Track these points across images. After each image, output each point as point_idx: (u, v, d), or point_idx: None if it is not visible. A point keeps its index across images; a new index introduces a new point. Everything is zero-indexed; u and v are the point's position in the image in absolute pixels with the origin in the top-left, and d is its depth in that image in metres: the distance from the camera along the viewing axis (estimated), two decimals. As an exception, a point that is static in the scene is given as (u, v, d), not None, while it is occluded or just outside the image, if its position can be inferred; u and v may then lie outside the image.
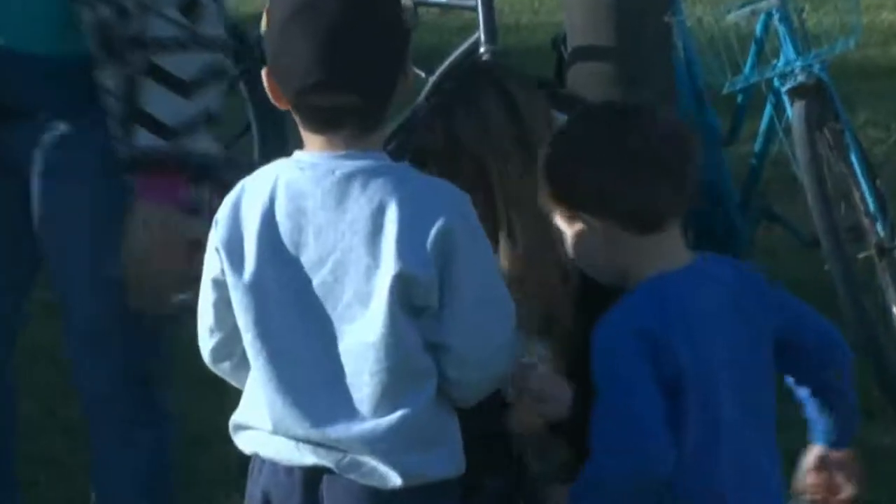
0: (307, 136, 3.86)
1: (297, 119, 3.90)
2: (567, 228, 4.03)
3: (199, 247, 4.38)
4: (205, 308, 3.96)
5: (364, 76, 3.78)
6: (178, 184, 5.05)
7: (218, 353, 3.96)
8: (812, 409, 4.26)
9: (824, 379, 4.25)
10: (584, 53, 7.09)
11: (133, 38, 5.09)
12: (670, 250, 4.08)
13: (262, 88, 4.04)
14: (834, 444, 4.27)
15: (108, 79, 5.09)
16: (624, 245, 3.99)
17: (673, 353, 3.99)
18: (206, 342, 3.98)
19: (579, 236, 4.03)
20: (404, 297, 3.77)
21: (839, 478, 4.32)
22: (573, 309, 4.38)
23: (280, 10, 3.88)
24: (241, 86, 7.11)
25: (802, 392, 4.25)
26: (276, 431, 3.85)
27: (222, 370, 4.01)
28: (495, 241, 4.26)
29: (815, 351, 4.23)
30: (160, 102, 5.09)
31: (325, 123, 3.81)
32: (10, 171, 5.23)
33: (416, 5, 7.97)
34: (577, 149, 4.07)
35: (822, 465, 4.29)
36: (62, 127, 5.16)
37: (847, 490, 4.33)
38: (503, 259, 4.30)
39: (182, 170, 5.24)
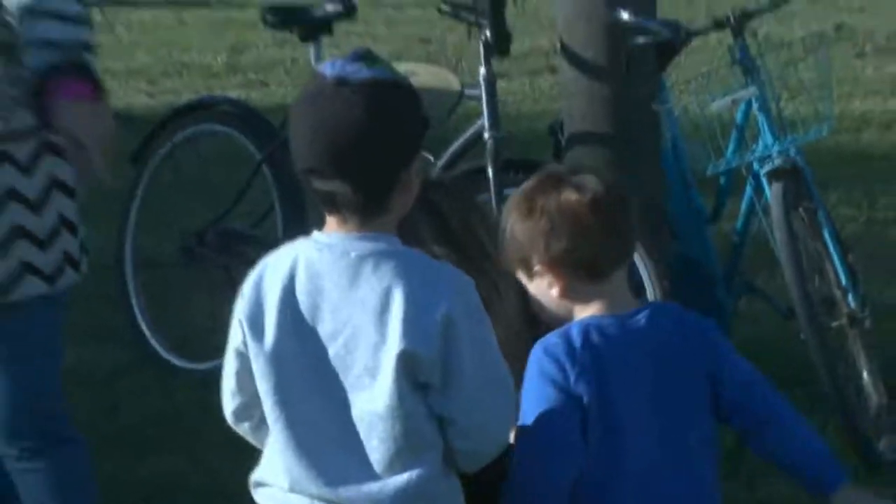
0: (326, 216, 3.92)
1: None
2: (529, 284, 4.19)
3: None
4: (228, 374, 3.99)
5: (354, 168, 3.83)
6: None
7: (239, 414, 4.01)
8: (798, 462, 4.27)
9: (754, 416, 4.28)
10: (580, 139, 7.26)
11: None
12: (614, 296, 4.21)
13: (285, 172, 4.20)
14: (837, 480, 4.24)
15: None
16: (575, 292, 4.12)
17: (575, 382, 4.11)
18: (229, 404, 4.02)
19: (538, 290, 4.17)
20: (409, 372, 3.82)
21: None
22: None
23: (297, 98, 3.95)
24: (266, 169, 7.10)
25: (752, 443, 4.30)
26: (292, 490, 3.89)
27: (243, 430, 4.06)
28: None
29: (740, 389, 4.28)
30: None
31: (327, 206, 3.89)
32: None
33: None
34: (527, 214, 4.19)
35: None
36: None
37: None
38: None
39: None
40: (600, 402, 4.18)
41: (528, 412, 4.20)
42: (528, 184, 4.29)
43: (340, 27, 8.12)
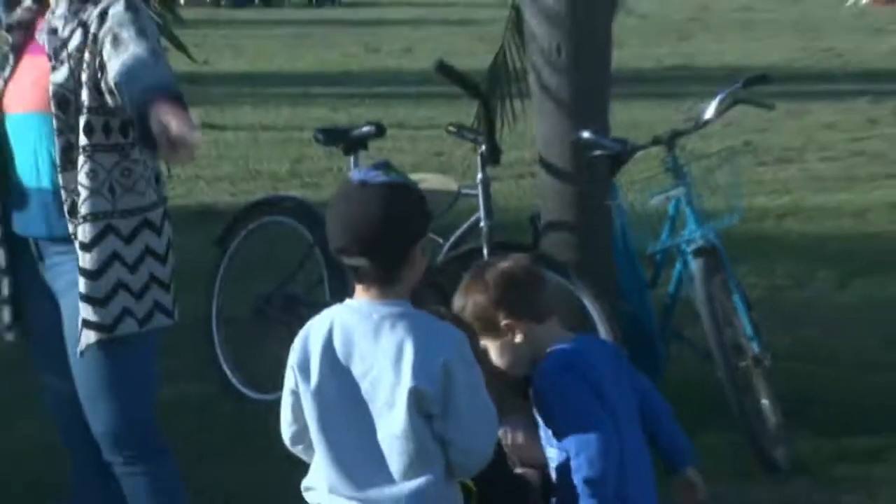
0: (355, 285, 3.99)
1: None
2: (492, 345, 4.29)
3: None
4: (285, 408, 4.07)
5: (372, 249, 3.88)
6: None
7: (294, 439, 4.09)
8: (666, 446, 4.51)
9: (657, 423, 4.49)
10: (552, 227, 7.25)
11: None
12: (560, 330, 4.36)
13: (331, 251, 4.23)
14: (684, 464, 4.51)
15: None
16: (537, 334, 4.25)
17: (591, 375, 4.24)
18: (286, 432, 4.11)
19: (504, 345, 4.29)
20: (418, 404, 3.91)
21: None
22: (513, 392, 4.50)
23: (333, 196, 4.01)
24: (317, 249, 7.15)
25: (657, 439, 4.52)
26: (331, 492, 3.98)
27: (297, 451, 4.13)
28: None
29: (650, 404, 4.50)
30: None
31: (354, 277, 3.96)
32: None
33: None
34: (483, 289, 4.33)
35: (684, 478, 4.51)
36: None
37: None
38: None
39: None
40: (607, 401, 4.26)
41: (573, 420, 4.20)
42: (470, 272, 4.45)
43: (374, 144, 8.02)
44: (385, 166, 4.02)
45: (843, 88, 18.60)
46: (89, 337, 4.92)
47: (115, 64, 4.75)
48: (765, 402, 6.70)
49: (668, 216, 7.23)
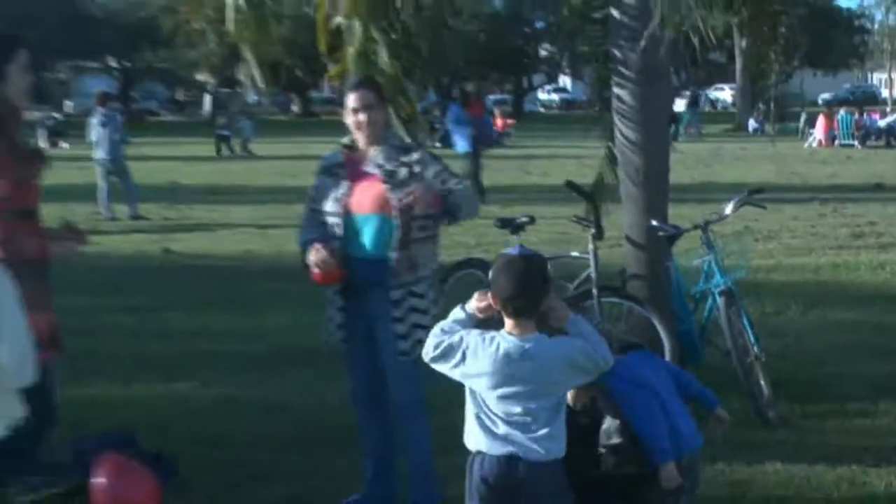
0: (507, 320, 3.94)
1: (504, 313, 3.93)
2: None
3: None
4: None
5: (525, 298, 3.89)
6: None
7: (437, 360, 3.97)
8: (699, 399, 4.66)
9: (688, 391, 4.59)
10: (634, 277, 7.49)
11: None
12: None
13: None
14: (713, 406, 4.62)
15: None
16: None
17: (630, 374, 4.35)
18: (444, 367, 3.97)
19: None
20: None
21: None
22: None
23: (498, 262, 4.00)
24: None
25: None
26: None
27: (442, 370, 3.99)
28: None
29: (682, 379, 4.63)
30: None
31: (513, 315, 3.91)
32: None
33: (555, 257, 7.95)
34: None
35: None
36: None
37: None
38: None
39: None
40: (647, 384, 4.39)
41: (641, 402, 4.28)
42: None
43: (529, 228, 8.25)
44: (523, 246, 4.10)
45: (803, 196, 19.20)
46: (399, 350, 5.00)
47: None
48: (762, 382, 6.85)
49: (703, 271, 7.43)
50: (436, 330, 3.97)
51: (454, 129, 19.76)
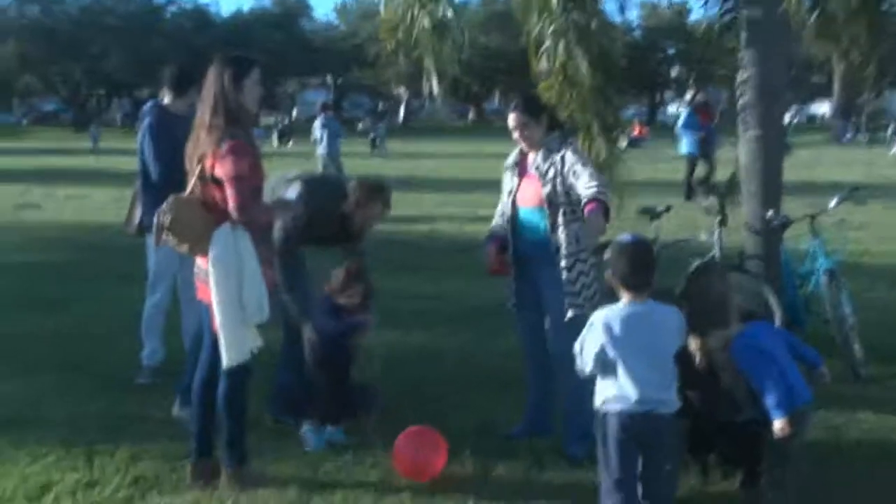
0: (624, 294, 3.89)
1: (621, 288, 3.88)
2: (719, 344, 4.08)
3: None
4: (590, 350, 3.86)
5: (640, 275, 3.84)
6: None
7: (594, 366, 3.87)
8: (807, 359, 4.39)
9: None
10: (751, 257, 7.11)
11: None
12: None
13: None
14: (818, 365, 4.38)
15: None
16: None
17: (756, 342, 4.19)
18: (588, 363, 3.88)
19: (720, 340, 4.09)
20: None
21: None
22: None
23: (615, 248, 3.90)
24: None
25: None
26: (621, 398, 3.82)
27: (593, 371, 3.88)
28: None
29: (792, 342, 4.38)
30: None
31: (632, 290, 3.84)
32: None
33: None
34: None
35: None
36: None
37: None
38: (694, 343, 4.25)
39: None
40: (766, 350, 4.19)
41: (761, 365, 4.09)
42: None
43: (666, 216, 8.02)
44: (636, 233, 4.00)
45: (889, 193, 17.98)
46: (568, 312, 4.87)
47: (579, 185, 4.80)
48: (855, 346, 6.72)
49: (809, 254, 7.36)
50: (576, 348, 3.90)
51: (683, 132, 18.44)
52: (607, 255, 3.92)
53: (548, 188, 4.93)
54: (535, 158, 5.04)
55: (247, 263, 4.23)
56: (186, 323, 6.05)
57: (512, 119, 5.11)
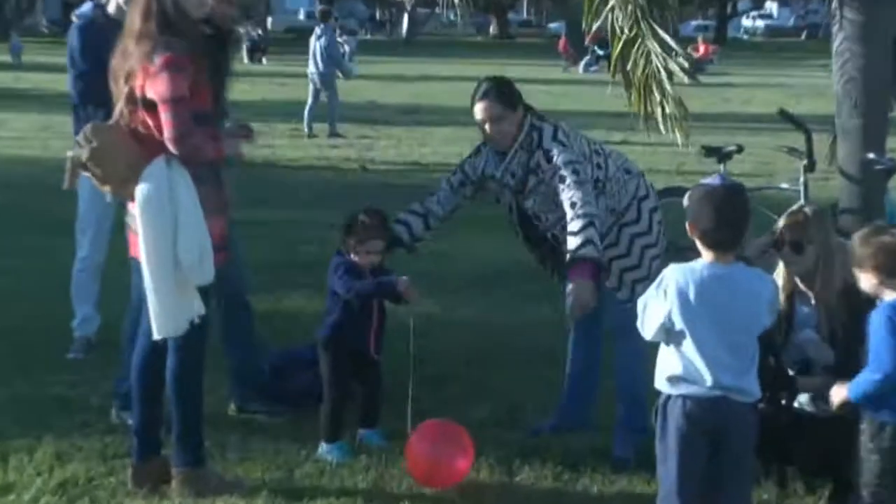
0: (704, 252, 3.88)
1: (700, 244, 3.86)
2: (868, 282, 4.01)
3: None
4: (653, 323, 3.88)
5: (725, 231, 3.82)
6: None
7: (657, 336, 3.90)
8: None
9: None
10: (845, 211, 7.36)
11: None
12: None
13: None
14: None
15: None
16: (884, 284, 3.96)
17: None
18: (650, 331, 3.91)
19: (867, 282, 4.01)
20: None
21: None
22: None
23: (698, 193, 3.92)
24: None
25: None
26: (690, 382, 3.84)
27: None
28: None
29: None
30: None
31: (713, 247, 3.84)
32: None
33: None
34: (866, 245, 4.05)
35: None
36: None
37: None
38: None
39: None
40: None
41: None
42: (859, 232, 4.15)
43: (736, 158, 8.35)
44: (725, 177, 4.15)
45: None
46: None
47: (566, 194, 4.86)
48: None
49: None
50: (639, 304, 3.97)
51: None
52: (686, 201, 3.93)
53: (529, 201, 5.02)
54: (505, 162, 5.05)
55: (184, 207, 4.15)
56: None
57: (480, 110, 5.02)
